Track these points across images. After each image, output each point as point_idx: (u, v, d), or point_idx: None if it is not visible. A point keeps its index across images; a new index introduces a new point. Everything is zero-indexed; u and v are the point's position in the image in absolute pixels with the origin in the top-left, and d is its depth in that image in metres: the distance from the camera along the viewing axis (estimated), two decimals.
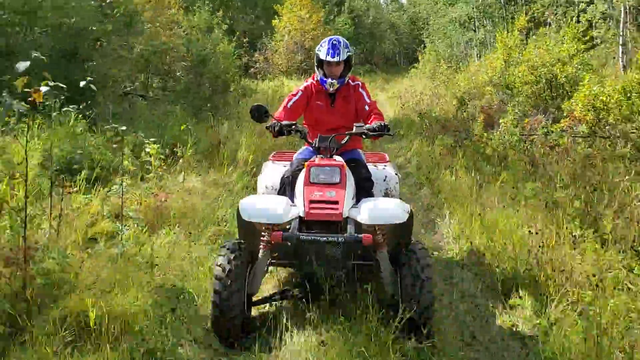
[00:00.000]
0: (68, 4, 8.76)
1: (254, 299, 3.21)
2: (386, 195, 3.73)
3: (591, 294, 2.76)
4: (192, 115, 8.60)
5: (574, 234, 3.59)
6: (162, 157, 4.79)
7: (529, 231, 3.71)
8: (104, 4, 9.46)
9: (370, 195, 3.38)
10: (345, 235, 2.84)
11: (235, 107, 9.67)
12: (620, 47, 11.60)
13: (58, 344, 2.52)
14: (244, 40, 14.39)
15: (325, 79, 3.61)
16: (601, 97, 6.77)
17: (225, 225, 4.38)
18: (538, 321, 2.89)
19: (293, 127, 3.39)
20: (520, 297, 3.18)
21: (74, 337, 2.57)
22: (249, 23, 24.71)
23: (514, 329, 2.99)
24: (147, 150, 4.65)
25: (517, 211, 4.17)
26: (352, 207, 3.06)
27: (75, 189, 4.35)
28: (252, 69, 17.43)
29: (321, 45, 3.64)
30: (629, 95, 6.26)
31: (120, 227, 3.57)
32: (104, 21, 9.41)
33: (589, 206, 4.24)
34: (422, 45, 25.70)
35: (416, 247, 3.06)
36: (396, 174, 3.94)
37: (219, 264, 2.94)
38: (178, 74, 9.33)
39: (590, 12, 11.75)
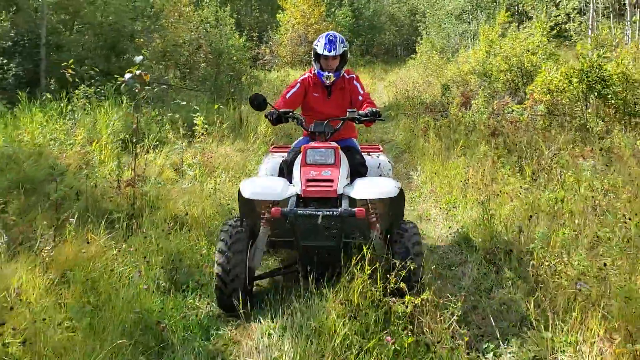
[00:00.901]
0: (108, 6, 10.34)
1: (256, 273, 3.44)
2: None
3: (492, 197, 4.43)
4: (212, 100, 10.19)
5: (504, 175, 5.18)
6: (206, 127, 6.38)
7: (473, 176, 5.31)
8: (135, 5, 11.03)
9: None
10: (340, 209, 3.03)
11: (248, 93, 11.23)
12: (589, 38, 13.12)
13: (159, 232, 4.11)
14: (254, 35, 15.90)
15: (322, 72, 3.84)
16: (555, 82, 8.34)
17: (254, 173, 5.97)
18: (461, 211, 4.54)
19: (290, 114, 3.62)
20: (454, 208, 4.80)
21: (169, 229, 4.17)
22: (253, 17, 26.25)
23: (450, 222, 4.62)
24: (195, 121, 6.23)
25: (468, 164, 5.75)
26: (346, 185, 3.30)
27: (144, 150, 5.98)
28: (259, 61, 18.99)
29: (318, 41, 3.88)
30: (570, 80, 7.81)
31: (186, 170, 5.18)
32: (136, 20, 10.96)
33: (521, 159, 5.83)
34: (420, 36, 27.18)
35: (407, 225, 3.29)
36: (389, 162, 4.20)
37: (222, 239, 3.18)
38: (203, 65, 10.88)
39: (562, 7, 13.25)
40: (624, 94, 7.58)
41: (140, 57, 4.36)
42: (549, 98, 8.43)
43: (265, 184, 3.36)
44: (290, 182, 3.40)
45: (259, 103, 3.61)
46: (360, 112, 3.57)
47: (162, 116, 7.07)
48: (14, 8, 9.37)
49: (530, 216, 3.88)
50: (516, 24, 17.43)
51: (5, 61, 8.96)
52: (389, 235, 3.32)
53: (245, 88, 11.49)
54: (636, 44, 9.37)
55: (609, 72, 7.58)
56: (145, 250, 3.51)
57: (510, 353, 2.60)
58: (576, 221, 3.62)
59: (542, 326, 2.60)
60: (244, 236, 3.20)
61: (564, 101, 8.35)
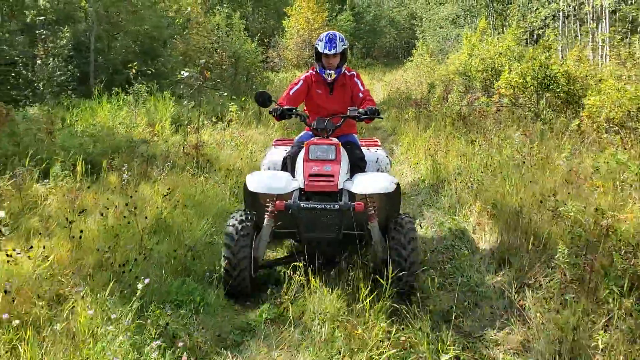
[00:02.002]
0: (145, 17, 12.47)
1: (260, 263, 3.66)
2: None
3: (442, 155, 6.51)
4: (229, 96, 12.30)
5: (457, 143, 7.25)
6: (238, 113, 8.49)
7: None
8: (167, 14, 13.15)
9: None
10: (340, 203, 3.27)
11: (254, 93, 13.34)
12: (559, 42, 15.20)
13: (220, 175, 6.16)
14: (265, 41, 18.03)
15: (323, 70, 4.05)
16: (515, 79, 10.41)
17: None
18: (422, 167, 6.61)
19: (294, 111, 3.83)
20: (417, 164, 6.89)
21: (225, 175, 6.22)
22: (260, 23, 28.42)
23: (414, 174, 6.67)
24: (230, 109, 8.34)
25: (438, 141, 7.83)
26: (346, 180, 3.52)
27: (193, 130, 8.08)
28: (268, 63, 21.11)
29: (319, 40, 4.06)
30: (524, 77, 9.88)
31: (228, 142, 7.28)
32: (167, 28, 13.09)
33: (473, 134, 7.90)
34: (417, 40, 29.29)
35: (404, 219, 3.51)
36: (387, 156, 4.44)
37: (228, 231, 3.40)
38: (224, 66, 13.00)
39: (536, 15, 15.35)
40: (567, 88, 9.65)
41: (186, 73, 6.41)
42: (512, 92, 10.52)
43: (270, 178, 3.56)
44: (293, 176, 3.63)
45: (264, 100, 3.85)
46: (360, 110, 3.81)
47: (199, 107, 9.20)
48: (73, 21, 11.47)
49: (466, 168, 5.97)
50: (493, 30, 19.58)
51: (65, 64, 11.07)
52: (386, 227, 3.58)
53: (259, 86, 13.59)
54: (578, 48, 11.46)
55: (555, 72, 9.66)
56: (216, 181, 5.60)
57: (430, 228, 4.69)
58: (489, 164, 5.69)
59: (448, 211, 4.72)
60: (249, 228, 3.45)
61: (523, 95, 10.44)
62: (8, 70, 11.03)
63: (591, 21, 13.66)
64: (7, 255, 2.89)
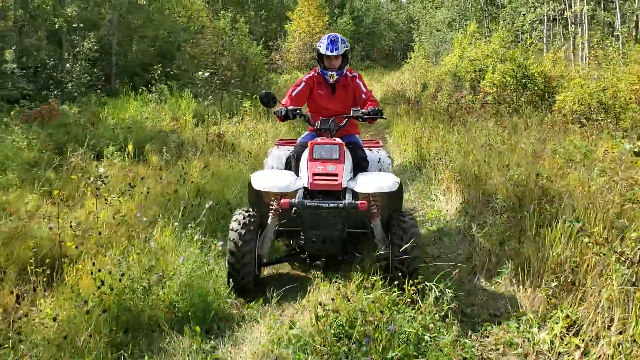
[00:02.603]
0: (161, 23, 13.74)
1: (264, 260, 3.77)
2: None
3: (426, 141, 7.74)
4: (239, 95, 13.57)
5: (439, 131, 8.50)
6: (251, 108, 9.73)
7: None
8: (181, 20, 14.41)
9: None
10: (344, 201, 3.34)
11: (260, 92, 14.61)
12: (544, 44, 16.48)
13: (241, 157, 7.41)
14: (270, 44, 19.31)
15: (325, 71, 4.14)
16: (498, 79, 11.66)
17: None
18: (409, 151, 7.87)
19: (298, 112, 3.87)
20: (406, 150, 8.13)
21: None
22: (263, 27, 29.74)
23: (403, 157, 7.90)
24: (244, 105, 9.59)
25: (424, 131, 9.07)
26: (349, 179, 3.59)
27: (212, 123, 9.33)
28: (271, 66, 22.39)
29: (321, 41, 4.15)
30: (505, 77, 11.13)
31: (243, 133, 8.54)
32: (181, 33, 14.36)
33: (455, 124, 9.14)
34: (414, 42, 30.60)
35: (406, 216, 3.58)
36: (388, 157, 4.53)
37: (233, 228, 3.47)
38: (233, 68, 14.25)
39: (522, 18, 16.63)
40: (543, 86, 10.90)
41: (207, 74, 7.65)
42: (495, 91, 11.77)
43: (275, 177, 3.63)
44: (297, 175, 3.71)
45: (268, 100, 3.90)
46: (363, 110, 3.88)
47: (221, 101, 10.45)
48: (96, 28, 12.75)
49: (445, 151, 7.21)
50: (488, 32, 20.81)
51: (90, 66, 12.34)
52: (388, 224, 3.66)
53: (265, 87, 14.84)
54: (554, 50, 12.72)
55: (532, 72, 10.91)
56: (239, 161, 6.83)
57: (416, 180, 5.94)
58: (463, 147, 6.93)
59: (427, 182, 5.97)
60: (254, 226, 3.53)
61: (504, 93, 11.69)
62: (38, 71, 12.29)
63: (572, 25, 14.94)
64: (105, 200, 4.14)
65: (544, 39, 16.52)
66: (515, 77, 11.01)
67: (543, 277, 3.29)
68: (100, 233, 3.69)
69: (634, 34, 13.76)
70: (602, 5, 14.59)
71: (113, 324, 2.95)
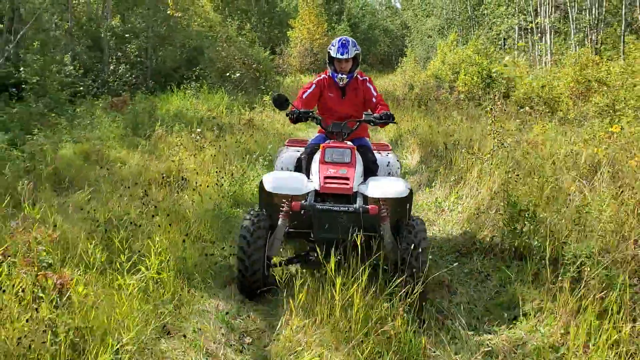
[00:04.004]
0: (188, 33, 16.54)
1: (273, 261, 3.91)
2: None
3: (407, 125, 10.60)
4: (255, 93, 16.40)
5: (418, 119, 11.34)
6: (269, 102, 12.56)
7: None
8: (204, 30, 17.21)
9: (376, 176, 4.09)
10: (355, 205, 3.51)
11: (276, 91, 17.44)
12: (515, 50, 19.40)
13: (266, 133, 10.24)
14: (277, 50, 22.20)
15: (336, 74, 4.31)
16: (468, 79, 14.56)
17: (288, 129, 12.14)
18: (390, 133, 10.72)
19: (310, 114, 4.05)
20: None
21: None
22: (266, 33, 32.64)
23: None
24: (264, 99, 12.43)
25: (403, 118, 11.92)
26: (360, 183, 3.78)
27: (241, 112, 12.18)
28: (277, 69, 25.29)
29: (332, 45, 4.31)
30: (472, 78, 14.01)
31: (265, 120, 11.38)
32: (205, 41, 17.16)
33: (430, 113, 11.99)
34: (406, 47, 33.60)
35: (415, 221, 3.70)
36: (397, 161, 4.64)
37: (244, 226, 3.64)
38: (250, 70, 17.08)
39: (496, 28, 19.57)
40: (505, 85, 13.78)
41: (236, 75, 10.48)
42: (466, 89, 14.65)
43: (286, 179, 3.76)
44: (308, 177, 3.82)
45: (281, 102, 4.02)
46: (375, 115, 4.00)
47: (239, 98, 13.25)
48: (136, 37, 15.57)
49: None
50: (475, 39, 23.69)
51: (131, 68, 15.14)
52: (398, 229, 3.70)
53: (274, 87, 17.68)
54: (515, 56, 15.66)
55: (495, 73, 13.80)
56: (267, 136, 9.68)
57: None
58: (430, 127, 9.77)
59: (401, 151, 8.81)
60: (264, 227, 3.63)
61: (475, 91, 14.58)
62: (88, 72, 15.08)
63: (538, 34, 17.87)
64: (201, 148, 7.01)
65: (515, 45, 19.46)
66: (480, 78, 13.90)
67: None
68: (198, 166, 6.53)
69: (587, 42, 16.69)
70: (564, 16, 17.54)
71: (233, 203, 5.79)
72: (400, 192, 3.62)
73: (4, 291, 2.78)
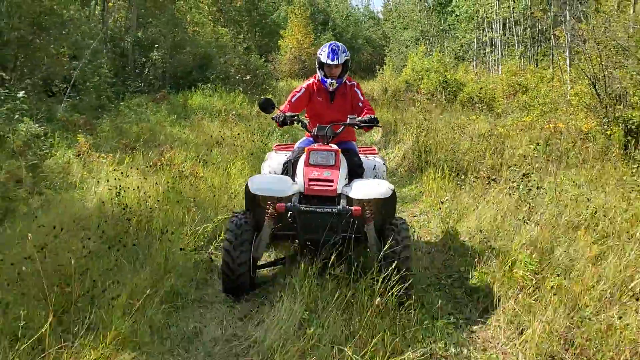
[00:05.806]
0: (198, 41, 20.28)
1: (259, 263, 4.04)
2: None
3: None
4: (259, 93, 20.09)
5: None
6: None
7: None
8: (211, 38, 20.93)
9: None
10: (338, 207, 3.63)
11: (271, 92, 21.18)
12: (474, 60, 23.49)
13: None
14: (269, 58, 26.07)
15: (325, 79, 4.43)
16: (430, 83, 18.49)
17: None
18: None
19: (295, 117, 4.21)
20: None
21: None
22: (256, 41, 36.44)
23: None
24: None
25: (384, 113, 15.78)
26: (344, 185, 3.89)
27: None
28: (270, 74, 29.11)
29: (322, 50, 4.44)
30: (432, 82, 17.93)
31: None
32: (214, 49, 20.86)
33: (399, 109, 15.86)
34: (385, 56, 37.67)
35: (398, 222, 3.85)
36: (384, 164, 4.85)
37: (229, 229, 3.73)
38: (249, 76, 20.79)
39: (457, 42, 23.65)
40: (456, 88, 17.73)
41: (248, 76, 14.26)
42: (428, 91, 18.58)
43: (271, 181, 3.94)
44: (294, 180, 3.99)
45: (267, 107, 4.24)
46: (360, 118, 4.20)
47: (263, 94, 16.98)
48: (157, 46, 19.28)
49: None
50: (449, 51, 27.75)
51: (153, 72, 18.81)
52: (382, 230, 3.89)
53: (271, 89, 21.47)
54: (465, 65, 19.72)
55: (449, 79, 17.75)
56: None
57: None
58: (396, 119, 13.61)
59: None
60: (249, 228, 3.79)
61: (434, 93, 18.55)
62: (115, 76, 18.68)
63: (490, 46, 21.95)
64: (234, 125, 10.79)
65: (474, 56, 23.54)
66: (438, 82, 17.85)
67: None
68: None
69: (528, 54, 20.75)
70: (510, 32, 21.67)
71: (264, 150, 9.56)
72: (383, 193, 3.77)
73: None
